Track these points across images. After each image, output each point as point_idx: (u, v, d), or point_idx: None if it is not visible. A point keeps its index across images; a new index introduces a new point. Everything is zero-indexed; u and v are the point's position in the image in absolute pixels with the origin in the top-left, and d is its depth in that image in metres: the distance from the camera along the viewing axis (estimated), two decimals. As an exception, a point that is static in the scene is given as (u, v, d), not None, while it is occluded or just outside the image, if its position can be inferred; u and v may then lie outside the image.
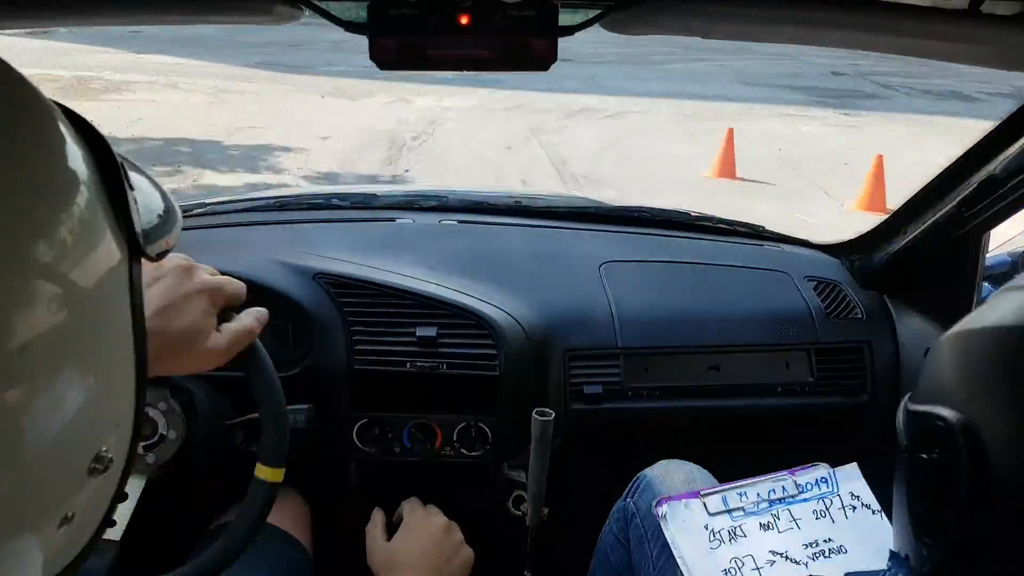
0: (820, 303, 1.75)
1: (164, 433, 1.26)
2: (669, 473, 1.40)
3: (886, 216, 1.77)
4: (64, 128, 0.47)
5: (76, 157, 0.46)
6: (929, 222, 1.60)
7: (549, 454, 1.36)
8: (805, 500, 1.14)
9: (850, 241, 1.91)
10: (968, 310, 1.63)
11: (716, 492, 1.16)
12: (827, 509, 1.13)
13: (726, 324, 1.71)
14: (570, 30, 0.89)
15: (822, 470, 1.17)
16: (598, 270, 1.78)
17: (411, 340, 1.55)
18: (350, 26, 0.91)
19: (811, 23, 0.86)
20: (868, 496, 1.14)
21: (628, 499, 1.42)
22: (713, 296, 1.76)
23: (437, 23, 0.87)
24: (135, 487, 1.21)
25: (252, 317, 1.02)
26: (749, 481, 1.17)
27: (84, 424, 0.45)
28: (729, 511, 1.13)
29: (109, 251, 0.47)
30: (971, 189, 1.46)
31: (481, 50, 0.90)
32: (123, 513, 1.19)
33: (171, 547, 1.53)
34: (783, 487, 1.15)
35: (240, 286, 1.01)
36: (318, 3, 0.92)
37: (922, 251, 1.67)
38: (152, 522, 1.52)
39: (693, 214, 2.11)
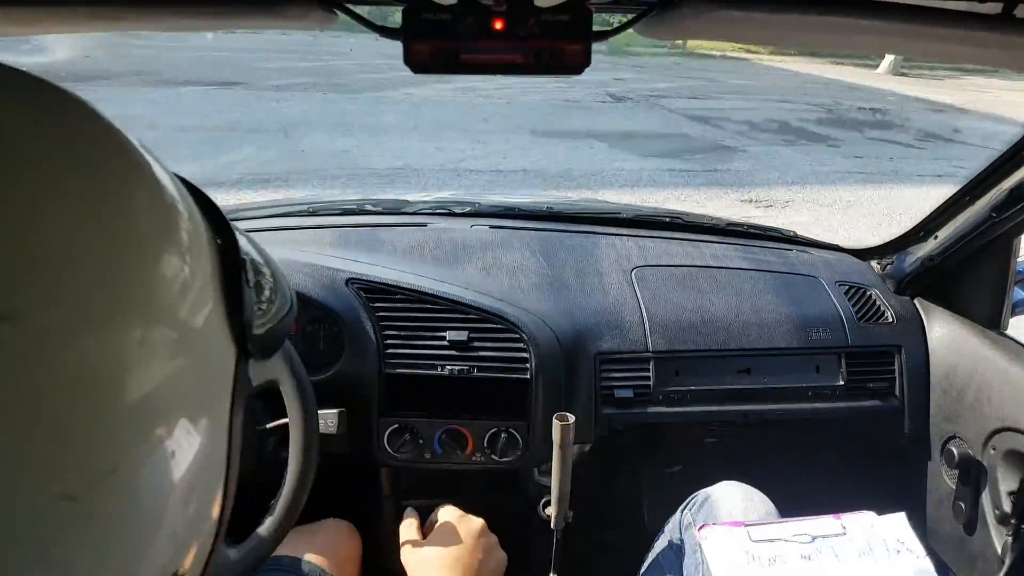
0: (851, 307, 1.75)
1: None
2: (729, 494, 1.40)
3: (918, 221, 1.76)
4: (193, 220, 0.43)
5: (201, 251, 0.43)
6: (960, 227, 1.60)
7: (571, 458, 1.36)
8: (851, 540, 1.13)
9: (881, 245, 1.90)
10: (999, 315, 1.62)
11: (764, 524, 1.16)
12: (871, 550, 1.12)
13: (756, 328, 1.71)
14: (604, 35, 0.89)
15: (869, 516, 1.16)
16: (629, 275, 1.78)
17: (442, 344, 1.56)
18: (385, 31, 0.91)
19: (846, 28, 0.85)
20: (914, 543, 1.13)
21: (686, 511, 1.42)
22: (744, 300, 1.76)
23: (471, 28, 0.88)
24: None
25: None
26: (795, 519, 1.17)
27: (167, 536, 0.39)
28: (771, 540, 1.13)
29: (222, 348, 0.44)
30: (1002, 195, 1.46)
31: (514, 54, 0.90)
32: None
33: None
34: (828, 526, 1.14)
35: None
36: (353, 8, 0.92)
37: (953, 256, 1.67)
38: None
39: (725, 219, 2.11)
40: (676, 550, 1.41)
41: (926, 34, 0.86)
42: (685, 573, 1.34)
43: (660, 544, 1.47)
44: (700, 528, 1.20)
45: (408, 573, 1.30)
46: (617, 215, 2.06)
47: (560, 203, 2.20)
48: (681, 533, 1.41)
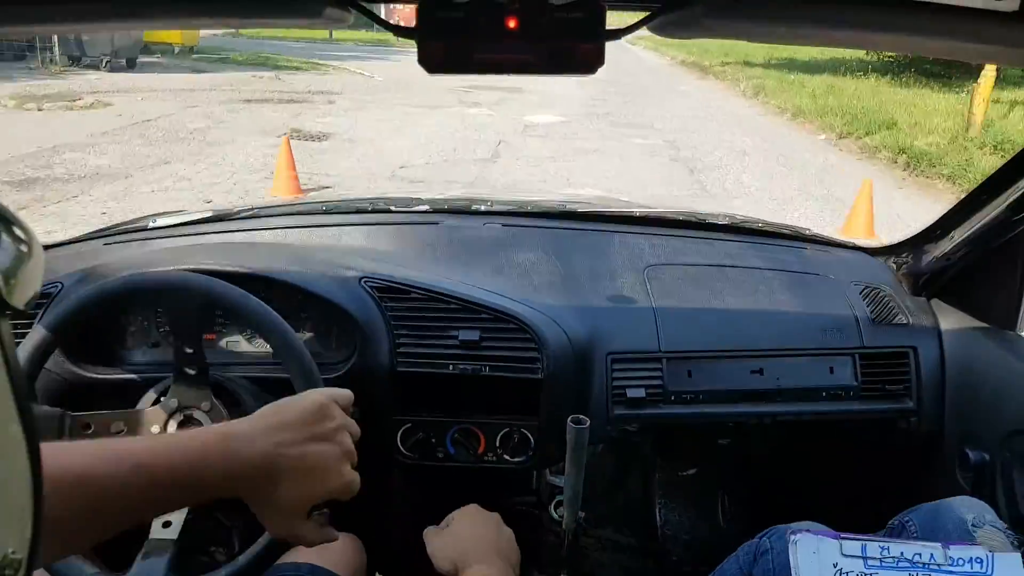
0: (866, 308, 1.73)
1: None
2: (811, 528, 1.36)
3: (934, 220, 1.75)
4: None
5: None
6: (977, 226, 1.58)
7: (585, 461, 1.35)
8: (952, 573, 1.06)
9: (896, 244, 1.89)
10: (1015, 315, 1.61)
11: (856, 539, 1.11)
12: None
13: (770, 329, 1.70)
14: (617, 33, 0.89)
15: (980, 550, 1.08)
16: (642, 273, 1.77)
17: (454, 344, 1.56)
18: (399, 29, 0.91)
19: (861, 26, 0.85)
20: None
21: (763, 538, 1.37)
22: (757, 300, 1.75)
23: (485, 26, 0.88)
24: None
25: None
26: (895, 540, 1.12)
27: None
28: (864, 558, 1.08)
29: None
30: (1019, 193, 1.44)
31: (527, 54, 0.90)
32: (178, 513, 1.20)
33: (223, 545, 1.56)
34: (932, 554, 1.07)
35: (353, 487, 1.00)
36: (367, 6, 0.93)
37: (969, 255, 1.65)
38: (204, 521, 1.56)
39: (739, 217, 2.10)
40: (746, 573, 1.36)
41: (941, 32, 0.85)
42: None
43: (729, 567, 1.42)
44: (791, 532, 1.15)
45: (434, 557, 1.26)
46: (630, 214, 2.06)
47: (573, 201, 2.20)
48: (756, 557, 1.35)
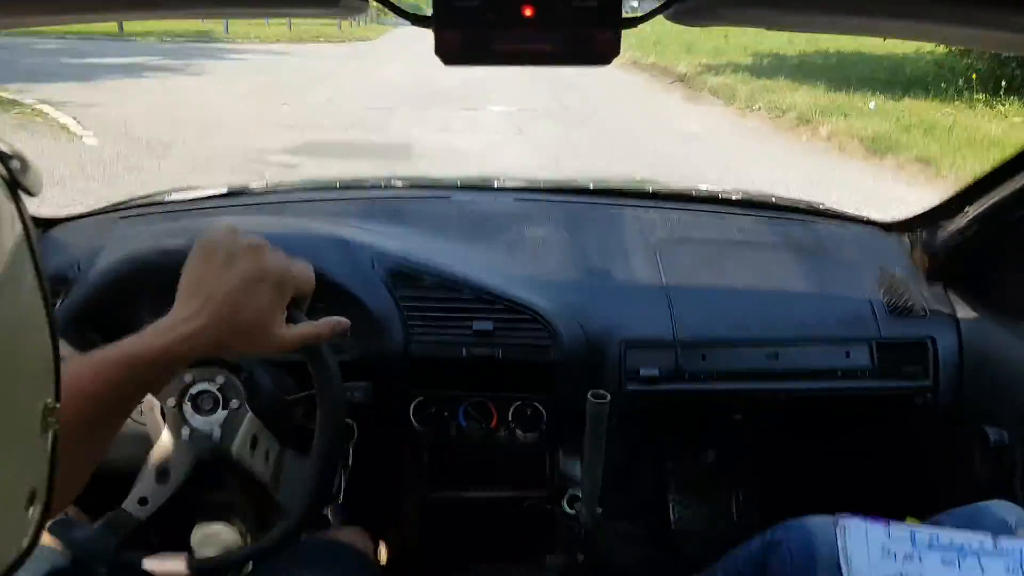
0: (882, 299, 1.72)
1: (221, 408, 1.24)
2: (826, 523, 1.35)
3: (951, 194, 1.73)
4: None
5: None
6: (995, 200, 1.57)
7: (604, 437, 1.34)
8: (1000, 557, 1.06)
9: (911, 219, 1.87)
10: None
11: (904, 528, 1.11)
12: (1021, 570, 1.05)
13: (785, 320, 1.69)
14: (633, 22, 0.89)
15: None
16: (654, 251, 1.77)
17: (467, 333, 1.57)
18: (416, 19, 0.92)
19: (878, 13, 0.85)
20: None
21: (775, 532, 1.33)
22: (772, 286, 1.75)
23: (501, 15, 0.88)
24: (180, 466, 1.20)
25: (329, 327, 1.04)
26: (944, 530, 1.11)
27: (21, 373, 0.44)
28: (913, 542, 1.08)
29: None
30: None
31: (544, 44, 0.90)
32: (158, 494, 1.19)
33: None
34: (981, 543, 1.07)
35: (310, 277, 1.03)
36: None
37: (987, 231, 1.63)
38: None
39: (752, 192, 2.09)
40: (759, 568, 1.34)
41: (960, 20, 0.85)
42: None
43: (739, 558, 1.40)
44: (840, 517, 1.14)
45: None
46: (642, 189, 2.06)
47: (584, 179, 2.20)
48: (767, 550, 1.33)
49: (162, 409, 1.24)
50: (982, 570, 1.04)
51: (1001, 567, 1.04)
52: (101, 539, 1.15)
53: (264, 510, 1.32)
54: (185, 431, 1.21)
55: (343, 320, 1.07)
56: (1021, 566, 1.04)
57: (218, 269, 0.95)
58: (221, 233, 0.98)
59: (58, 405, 0.47)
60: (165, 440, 1.22)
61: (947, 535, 1.08)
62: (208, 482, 1.26)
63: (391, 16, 1.02)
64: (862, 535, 1.09)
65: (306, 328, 1.02)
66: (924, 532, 1.09)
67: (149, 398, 1.25)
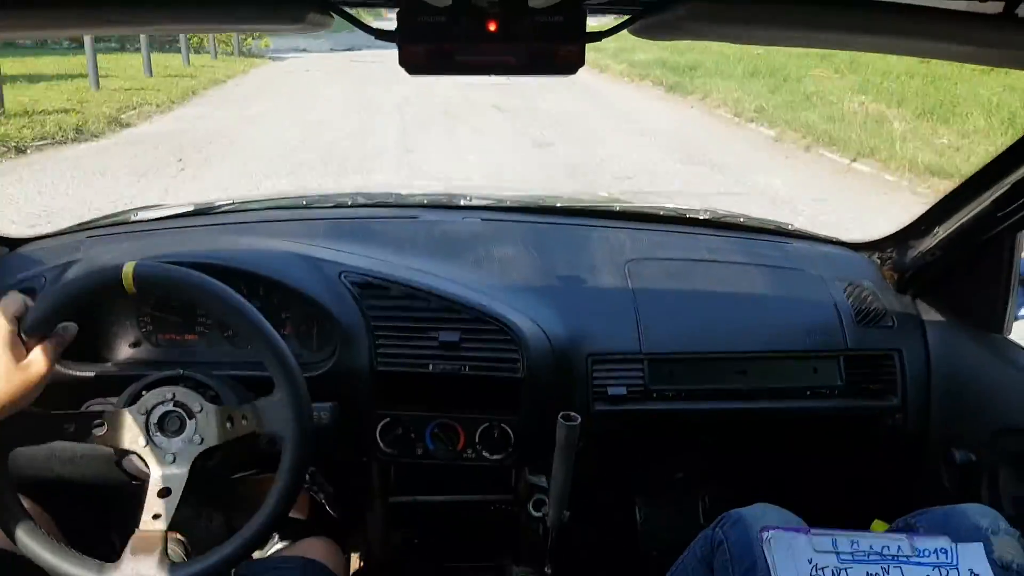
0: (850, 308, 1.72)
1: (191, 430, 1.26)
2: (763, 513, 1.34)
3: (918, 215, 1.75)
4: None
5: None
6: (961, 222, 1.58)
7: (573, 458, 1.35)
8: (920, 564, 1.09)
9: (880, 239, 1.87)
10: (1002, 314, 1.61)
11: (826, 534, 1.13)
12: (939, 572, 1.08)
13: (753, 330, 1.69)
14: (598, 36, 0.89)
15: (944, 541, 1.11)
16: (623, 269, 1.76)
17: (434, 344, 1.56)
18: (380, 33, 0.91)
19: (844, 28, 0.85)
20: (989, 575, 1.08)
21: (716, 528, 1.38)
22: (740, 300, 1.74)
23: (466, 29, 0.88)
24: (178, 480, 1.23)
25: (57, 342, 1.16)
26: (861, 533, 1.14)
27: None
28: (837, 553, 1.10)
29: None
30: (1005, 189, 1.44)
31: (508, 55, 0.90)
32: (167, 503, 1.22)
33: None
34: (899, 546, 1.10)
35: (12, 301, 1.13)
36: (349, 11, 0.93)
37: (954, 251, 1.64)
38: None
39: (721, 212, 2.09)
40: (706, 567, 1.37)
41: (925, 34, 0.85)
42: None
43: (687, 561, 1.43)
44: (762, 530, 1.17)
45: None
46: (610, 208, 2.05)
47: (553, 196, 2.19)
48: (713, 551, 1.36)
49: (137, 454, 1.26)
50: None
51: (923, 574, 1.07)
52: (136, 566, 1.17)
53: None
54: (168, 457, 1.24)
55: (69, 325, 1.18)
56: (939, 569, 1.07)
57: None
58: None
59: None
60: (155, 474, 1.24)
61: (866, 540, 1.10)
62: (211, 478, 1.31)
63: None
64: (786, 547, 1.10)
65: (38, 356, 1.12)
66: (844, 539, 1.10)
67: (125, 421, 1.26)
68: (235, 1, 0.91)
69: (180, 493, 1.23)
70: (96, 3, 0.88)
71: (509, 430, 1.58)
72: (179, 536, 1.34)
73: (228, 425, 1.26)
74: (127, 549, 1.18)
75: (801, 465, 1.94)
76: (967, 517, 1.24)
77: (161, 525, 1.20)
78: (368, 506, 1.79)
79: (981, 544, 1.12)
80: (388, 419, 1.58)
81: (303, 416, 1.23)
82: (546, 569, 1.59)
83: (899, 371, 1.69)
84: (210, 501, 1.80)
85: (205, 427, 1.26)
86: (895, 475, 1.81)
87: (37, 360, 1.12)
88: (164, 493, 1.22)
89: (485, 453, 1.59)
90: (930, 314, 1.75)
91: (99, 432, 1.24)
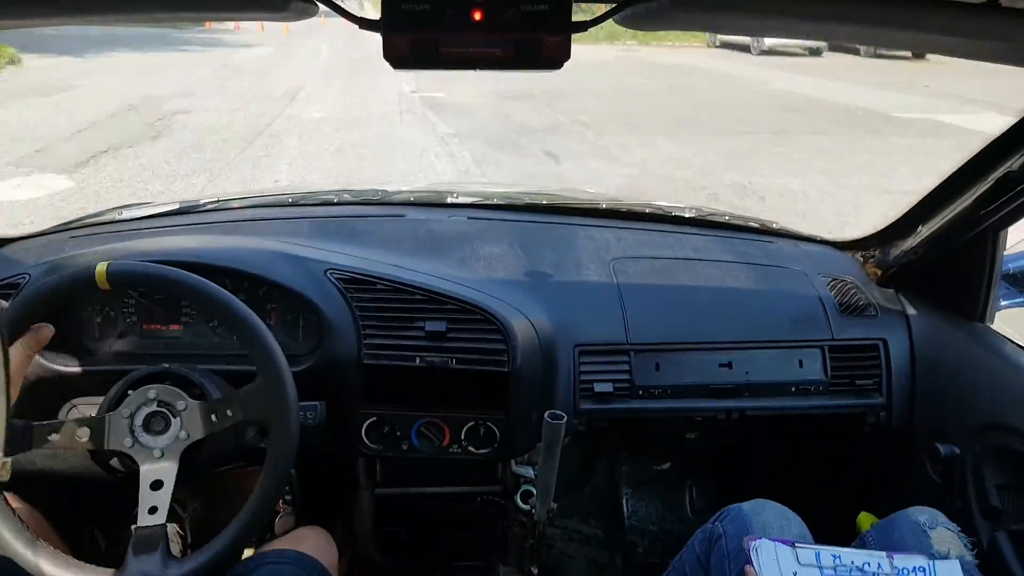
0: (834, 300, 1.73)
1: (177, 427, 1.26)
2: (762, 509, 1.39)
3: (902, 213, 1.76)
4: None
5: None
6: (945, 219, 1.59)
7: (559, 455, 1.36)
8: None
9: (864, 238, 1.89)
10: (985, 308, 1.62)
11: (810, 548, 1.16)
12: None
13: (737, 321, 1.70)
14: (584, 25, 0.89)
15: (921, 559, 1.14)
16: (608, 266, 1.77)
17: (420, 335, 1.55)
18: (364, 22, 0.91)
19: (828, 18, 0.85)
20: None
21: (716, 523, 1.41)
22: (724, 293, 1.75)
23: (450, 18, 0.87)
24: (169, 473, 1.23)
25: (32, 341, 1.17)
26: (844, 549, 1.17)
27: None
28: (820, 567, 1.13)
29: None
30: (987, 187, 1.44)
31: (494, 48, 0.89)
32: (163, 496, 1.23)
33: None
34: (879, 564, 1.13)
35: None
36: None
37: (937, 248, 1.65)
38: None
39: (705, 210, 2.10)
40: (703, 560, 1.39)
41: (911, 23, 0.85)
42: None
43: (687, 556, 1.45)
44: (750, 539, 1.19)
45: None
46: (596, 206, 2.06)
47: (538, 193, 2.19)
48: (711, 543, 1.39)
49: (126, 455, 1.25)
50: None
51: None
52: (141, 565, 1.17)
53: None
54: (156, 453, 1.24)
55: (44, 326, 1.19)
56: None
57: None
58: None
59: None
60: (145, 469, 1.24)
61: (848, 556, 1.14)
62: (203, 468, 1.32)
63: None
64: (772, 558, 1.13)
65: (12, 356, 1.11)
66: (827, 553, 1.14)
67: (111, 425, 1.26)
68: None
69: (172, 486, 1.23)
70: None
71: (495, 428, 1.58)
72: (178, 528, 1.33)
73: (213, 418, 1.26)
74: (129, 549, 1.18)
75: (788, 459, 1.95)
76: (908, 517, 1.32)
77: (159, 519, 1.21)
78: (354, 498, 1.78)
79: (957, 562, 1.15)
80: (374, 418, 1.58)
81: (287, 400, 1.23)
82: (532, 568, 1.59)
83: (883, 362, 1.70)
84: (197, 493, 1.79)
85: (190, 422, 1.26)
86: (881, 469, 1.82)
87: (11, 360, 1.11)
88: (157, 486, 1.22)
89: (471, 448, 1.59)
90: (914, 307, 1.76)
91: (83, 438, 1.24)
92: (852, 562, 1.13)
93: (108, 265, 1.22)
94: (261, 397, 1.24)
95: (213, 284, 1.26)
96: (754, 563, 1.14)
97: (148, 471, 1.23)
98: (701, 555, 1.40)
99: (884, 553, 1.15)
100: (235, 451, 1.40)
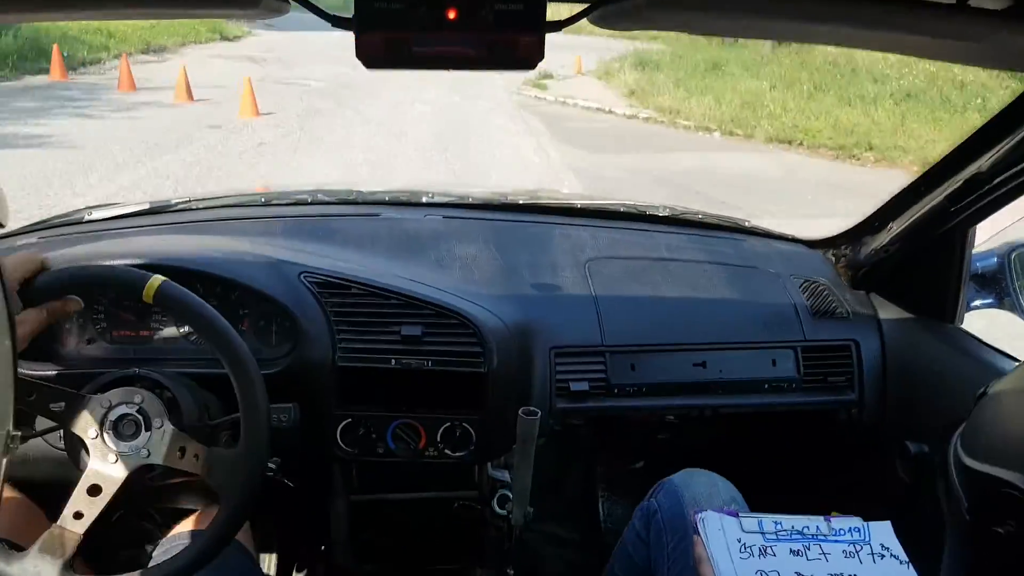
0: (805, 301, 1.75)
1: (142, 441, 1.22)
2: (693, 479, 1.43)
3: (872, 211, 1.77)
4: None
5: None
6: (915, 217, 1.60)
7: (534, 453, 1.36)
8: (836, 541, 1.18)
9: (835, 236, 1.90)
10: (955, 307, 1.63)
11: (753, 517, 1.21)
12: (856, 552, 1.17)
13: (711, 322, 1.71)
14: (558, 25, 0.88)
15: (856, 521, 1.20)
16: (583, 267, 1.77)
17: (396, 339, 1.54)
18: (337, 20, 0.90)
19: (801, 17, 0.85)
20: (898, 549, 1.18)
21: (651, 499, 1.45)
22: (698, 294, 1.76)
23: (424, 17, 0.87)
24: (112, 483, 1.18)
25: (53, 309, 1.21)
26: (784, 516, 1.22)
27: None
28: (762, 532, 1.18)
29: None
30: (958, 184, 1.46)
31: (467, 48, 0.89)
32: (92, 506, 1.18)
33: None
34: (817, 526, 1.19)
35: (36, 266, 1.18)
36: None
37: (908, 246, 1.67)
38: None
39: (679, 209, 2.11)
40: (644, 536, 1.43)
41: (883, 23, 0.85)
42: (658, 554, 1.37)
43: (628, 535, 1.48)
44: (696, 512, 1.23)
45: None
46: (571, 205, 2.06)
47: (514, 193, 2.19)
48: (648, 519, 1.42)
49: (83, 441, 1.21)
50: (825, 558, 1.16)
51: (839, 551, 1.16)
52: (40, 564, 1.13)
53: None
54: (111, 457, 1.20)
55: (76, 299, 1.22)
56: (854, 545, 1.17)
57: None
58: None
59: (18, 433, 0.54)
60: (93, 466, 1.20)
61: (788, 521, 1.19)
62: (144, 493, 1.28)
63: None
64: (718, 527, 1.18)
65: (31, 315, 1.17)
66: (769, 520, 1.19)
67: (81, 424, 1.22)
68: None
69: (109, 497, 1.18)
70: None
71: (471, 429, 1.57)
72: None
73: (178, 454, 1.22)
74: (36, 544, 1.14)
75: (761, 458, 1.96)
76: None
77: (80, 528, 1.16)
78: (330, 505, 1.77)
79: (889, 523, 1.21)
80: (349, 419, 1.56)
81: (254, 479, 1.21)
82: (508, 571, 1.59)
83: (855, 362, 1.72)
84: (128, 524, 1.75)
85: (157, 444, 1.21)
86: (853, 467, 1.83)
87: (28, 319, 1.17)
88: (94, 491, 1.18)
89: (447, 451, 1.58)
90: (885, 308, 1.78)
91: (56, 407, 1.20)
92: (792, 526, 1.18)
93: (163, 283, 1.21)
94: (230, 468, 1.22)
95: (241, 343, 1.23)
96: (701, 534, 1.18)
97: (92, 472, 1.19)
98: (641, 531, 1.45)
99: (821, 517, 1.20)
100: (183, 489, 1.39)
